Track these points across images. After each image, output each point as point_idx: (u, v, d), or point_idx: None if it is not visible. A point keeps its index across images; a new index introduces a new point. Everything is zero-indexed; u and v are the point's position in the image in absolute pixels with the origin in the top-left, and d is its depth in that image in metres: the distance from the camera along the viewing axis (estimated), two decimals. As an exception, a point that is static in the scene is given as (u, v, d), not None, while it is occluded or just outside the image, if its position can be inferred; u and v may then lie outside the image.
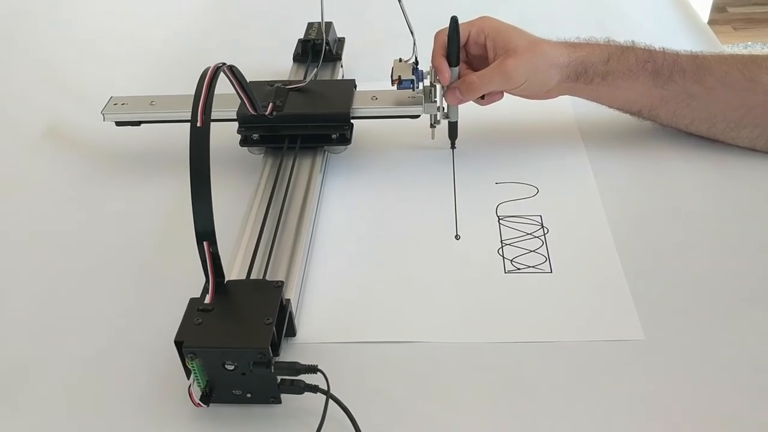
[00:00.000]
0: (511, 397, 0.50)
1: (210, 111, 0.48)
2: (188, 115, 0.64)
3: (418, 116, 0.70)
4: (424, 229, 0.65)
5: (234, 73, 0.56)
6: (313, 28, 0.85)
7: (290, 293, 0.55)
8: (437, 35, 0.67)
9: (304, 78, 0.75)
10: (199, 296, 0.51)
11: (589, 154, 0.72)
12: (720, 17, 2.53)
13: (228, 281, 0.52)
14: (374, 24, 0.94)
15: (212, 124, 0.49)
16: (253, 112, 0.64)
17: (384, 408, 0.50)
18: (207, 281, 0.51)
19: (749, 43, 2.41)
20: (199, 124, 0.48)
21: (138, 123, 0.74)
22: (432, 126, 0.72)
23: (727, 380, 0.50)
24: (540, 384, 0.51)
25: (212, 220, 0.48)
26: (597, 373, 0.51)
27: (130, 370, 0.54)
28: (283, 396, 0.50)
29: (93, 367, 0.55)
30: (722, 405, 0.49)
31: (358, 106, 0.70)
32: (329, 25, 0.85)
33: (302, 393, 0.48)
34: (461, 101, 0.68)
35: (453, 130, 0.73)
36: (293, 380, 0.49)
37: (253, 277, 0.56)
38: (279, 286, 0.52)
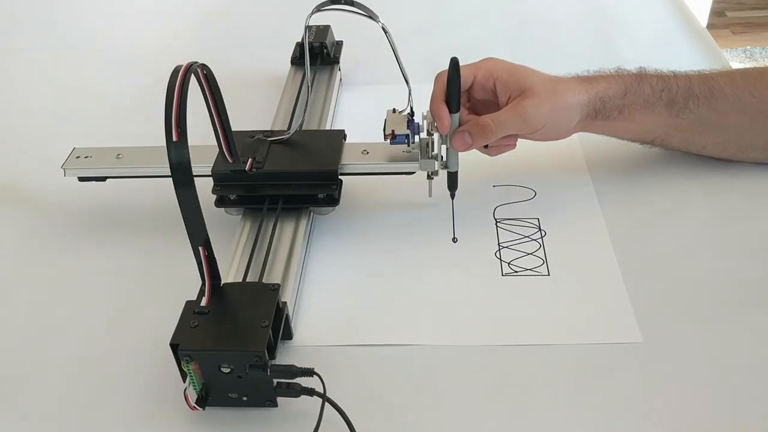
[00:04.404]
0: (508, 400, 0.50)
1: (184, 122, 0.44)
2: (158, 170, 0.63)
3: (414, 173, 0.64)
4: (422, 231, 0.65)
5: (207, 76, 0.49)
6: (311, 32, 0.85)
7: (287, 296, 0.55)
8: (437, 78, 0.61)
9: (289, 128, 0.69)
10: (195, 299, 0.51)
11: (587, 156, 0.72)
12: (719, 21, 2.53)
13: (224, 284, 0.52)
14: (372, 27, 0.94)
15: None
16: (229, 158, 0.55)
17: (380, 411, 0.50)
18: (203, 284, 0.51)
19: (748, 47, 2.42)
20: (175, 139, 0.43)
21: (103, 178, 0.67)
22: (429, 178, 0.64)
23: (725, 383, 0.50)
24: (537, 387, 0.51)
25: (204, 225, 0.48)
26: (595, 376, 0.51)
27: (126, 374, 0.54)
28: (280, 399, 0.50)
29: (89, 370, 0.54)
30: (720, 408, 0.49)
31: (348, 162, 0.64)
32: (327, 28, 0.85)
33: (298, 396, 0.48)
34: (470, 147, 0.60)
35: (453, 181, 0.64)
36: (289, 383, 0.49)
37: (249, 279, 0.56)
38: (275, 288, 0.52)
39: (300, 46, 0.85)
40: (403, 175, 0.64)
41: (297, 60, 0.85)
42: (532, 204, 0.67)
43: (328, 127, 0.77)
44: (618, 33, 0.97)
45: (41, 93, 0.91)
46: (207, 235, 0.49)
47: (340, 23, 0.88)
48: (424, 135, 0.62)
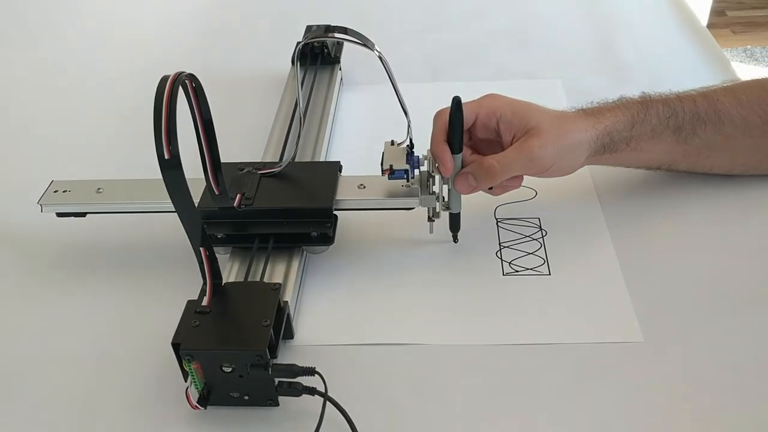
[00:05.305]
0: (508, 400, 0.50)
1: (175, 136, 0.42)
2: (141, 206, 0.61)
3: (413, 208, 0.61)
4: (422, 231, 0.65)
5: (195, 89, 0.46)
6: (312, 31, 0.85)
7: (288, 295, 0.55)
8: (437, 117, 0.57)
9: (281, 159, 0.65)
10: (196, 298, 0.51)
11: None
12: (719, 21, 2.53)
13: (225, 283, 0.52)
14: (373, 28, 0.94)
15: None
16: (216, 189, 0.52)
17: (381, 410, 0.50)
18: (204, 283, 0.51)
19: (748, 46, 2.42)
20: (166, 157, 0.42)
21: (83, 214, 0.63)
22: (430, 219, 0.61)
23: (726, 382, 0.50)
24: (538, 386, 0.51)
25: (201, 225, 0.48)
26: (595, 376, 0.51)
27: (127, 373, 0.54)
28: (281, 398, 0.50)
29: (90, 369, 0.54)
30: (721, 407, 0.49)
31: (343, 197, 0.60)
32: (327, 28, 0.84)
33: (300, 395, 0.48)
34: (474, 189, 0.58)
35: (455, 223, 0.62)
36: (291, 382, 0.49)
37: (250, 279, 0.56)
38: (277, 288, 0.52)
39: (299, 45, 0.84)
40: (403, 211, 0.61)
41: (297, 60, 0.84)
42: (533, 203, 0.67)
43: (327, 130, 0.76)
44: (618, 32, 0.97)
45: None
46: (206, 234, 0.49)
47: (341, 23, 0.88)
48: (424, 168, 0.59)
